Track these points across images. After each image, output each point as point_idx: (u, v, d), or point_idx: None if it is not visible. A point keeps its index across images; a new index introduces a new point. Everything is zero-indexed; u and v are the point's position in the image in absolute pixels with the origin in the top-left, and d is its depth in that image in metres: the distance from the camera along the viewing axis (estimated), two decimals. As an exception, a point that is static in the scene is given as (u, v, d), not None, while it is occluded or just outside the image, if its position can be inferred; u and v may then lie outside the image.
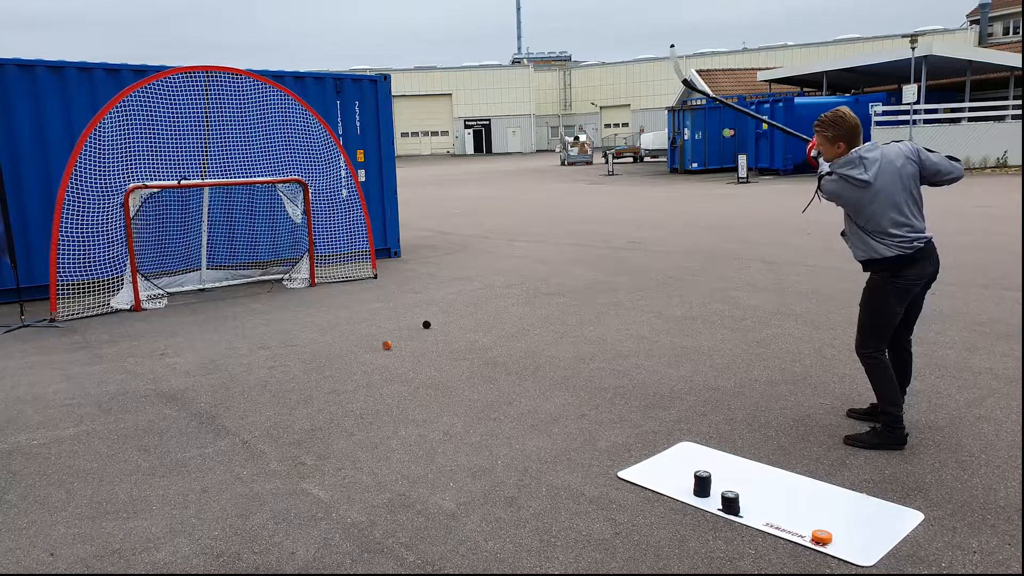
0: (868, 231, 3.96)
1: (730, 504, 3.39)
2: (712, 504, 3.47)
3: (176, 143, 8.79)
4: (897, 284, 3.96)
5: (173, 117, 8.69)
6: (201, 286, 9.31)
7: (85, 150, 8.02)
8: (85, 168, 8.02)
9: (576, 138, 46.52)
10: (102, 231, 8.14)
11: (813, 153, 4.31)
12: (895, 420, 4.01)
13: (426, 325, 7.13)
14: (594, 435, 4.36)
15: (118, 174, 8.28)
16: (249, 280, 9.64)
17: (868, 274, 4.11)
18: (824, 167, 4.09)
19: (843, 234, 4.18)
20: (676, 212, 17.08)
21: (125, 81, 9.03)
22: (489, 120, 69.95)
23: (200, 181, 8.87)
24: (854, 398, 4.79)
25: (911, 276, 3.96)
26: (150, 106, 8.50)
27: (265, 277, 9.72)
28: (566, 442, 4.27)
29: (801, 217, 14.84)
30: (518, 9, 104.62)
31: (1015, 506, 3.37)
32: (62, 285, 7.97)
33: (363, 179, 11.22)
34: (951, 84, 30.49)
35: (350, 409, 4.93)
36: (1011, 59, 27.58)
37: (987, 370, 5.26)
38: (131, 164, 8.40)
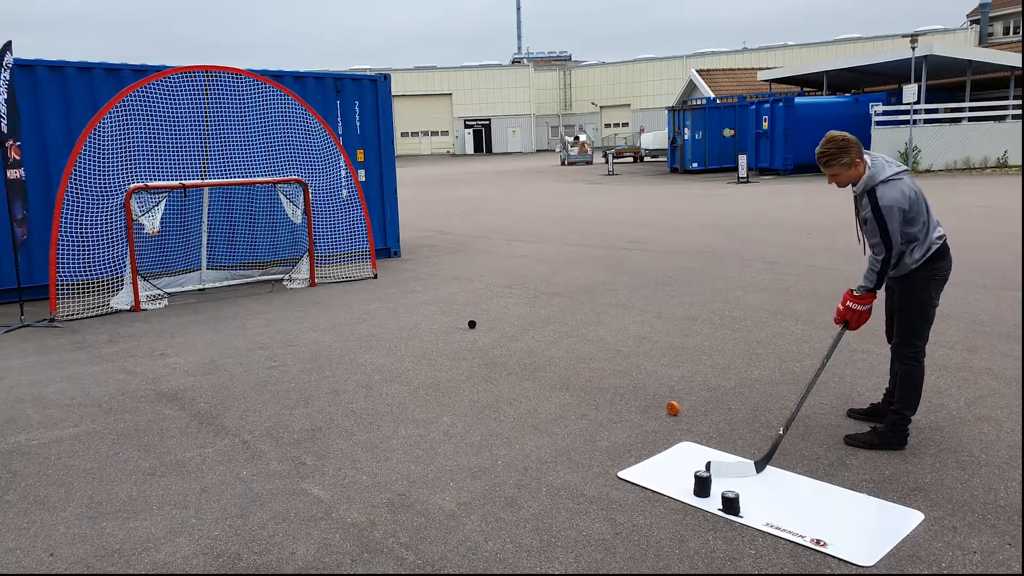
0: (927, 227, 3.93)
1: (730, 504, 3.39)
2: (712, 504, 3.47)
3: (176, 143, 8.79)
4: (935, 276, 4.01)
5: (173, 117, 8.70)
6: (201, 286, 9.31)
7: (85, 150, 8.02)
8: (85, 168, 8.02)
9: (576, 138, 46.48)
10: (102, 231, 8.14)
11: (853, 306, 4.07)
12: (906, 422, 4.02)
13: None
14: (594, 435, 4.36)
15: (118, 174, 8.28)
16: (249, 280, 9.64)
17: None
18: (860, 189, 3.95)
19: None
20: (676, 212, 17.07)
21: (125, 81, 9.02)
22: (489, 120, 69.93)
23: (200, 181, 8.87)
24: (854, 398, 4.79)
25: (944, 267, 4.03)
26: (150, 106, 8.50)
27: (265, 277, 9.71)
28: (566, 442, 4.27)
29: (801, 217, 14.84)
30: (518, 9, 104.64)
31: (1015, 506, 3.37)
32: (62, 285, 7.97)
33: (363, 179, 11.22)
34: (951, 84, 30.46)
35: (350, 409, 4.93)
36: (1011, 59, 27.55)
37: (987, 370, 5.26)
38: (131, 164, 8.40)
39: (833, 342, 4.23)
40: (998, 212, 14.23)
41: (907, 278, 4.02)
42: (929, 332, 4.10)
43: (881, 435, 4.03)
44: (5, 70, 7.55)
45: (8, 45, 7.68)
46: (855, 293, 4.05)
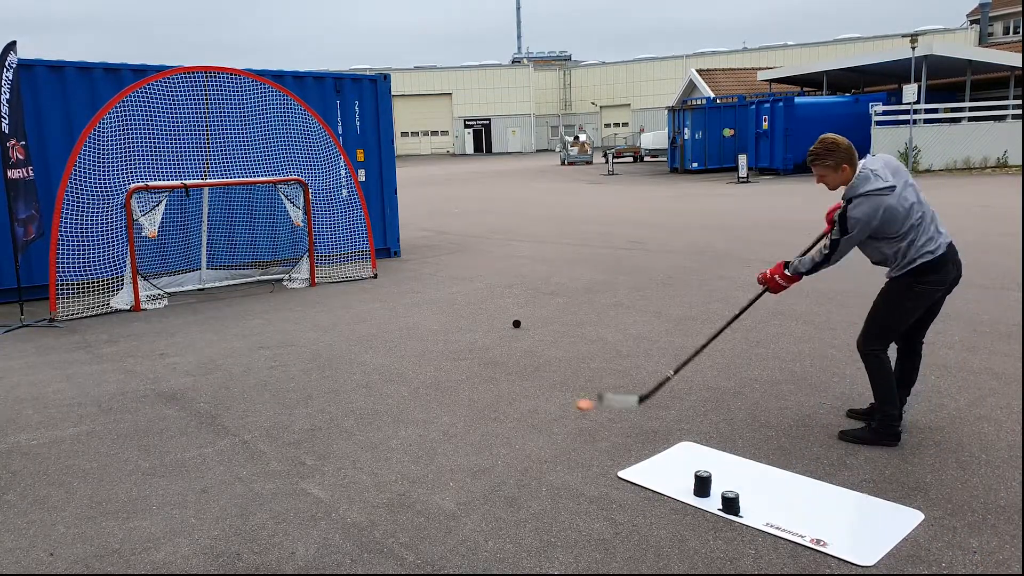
0: (907, 242, 3.81)
1: (730, 504, 3.39)
2: (712, 504, 3.47)
3: (176, 143, 8.79)
4: (916, 289, 3.88)
5: (173, 117, 8.69)
6: (201, 286, 9.31)
7: (85, 150, 8.02)
8: (85, 168, 8.02)
9: (576, 138, 46.44)
10: (102, 231, 8.14)
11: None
12: (892, 419, 4.02)
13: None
14: (594, 435, 4.36)
15: (118, 174, 8.28)
16: (249, 280, 9.64)
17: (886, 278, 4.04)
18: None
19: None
20: (676, 212, 17.07)
21: (125, 81, 9.02)
22: (489, 120, 69.91)
23: (201, 181, 8.87)
24: (854, 398, 4.79)
25: (934, 281, 3.88)
26: (150, 106, 8.50)
27: (265, 277, 9.71)
28: (566, 442, 4.27)
29: (801, 217, 14.84)
30: (518, 9, 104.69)
31: (1015, 506, 3.37)
32: (62, 285, 7.97)
33: (363, 179, 11.21)
34: (951, 84, 30.46)
35: (350, 409, 4.93)
36: (1011, 59, 27.55)
37: (987, 370, 5.26)
38: (131, 164, 8.40)
39: (749, 301, 4.59)
40: (998, 212, 14.23)
41: (889, 283, 4.00)
42: (893, 338, 4.08)
43: (875, 432, 4.05)
44: (8, 70, 7.55)
45: (11, 45, 7.69)
46: (788, 272, 4.30)
